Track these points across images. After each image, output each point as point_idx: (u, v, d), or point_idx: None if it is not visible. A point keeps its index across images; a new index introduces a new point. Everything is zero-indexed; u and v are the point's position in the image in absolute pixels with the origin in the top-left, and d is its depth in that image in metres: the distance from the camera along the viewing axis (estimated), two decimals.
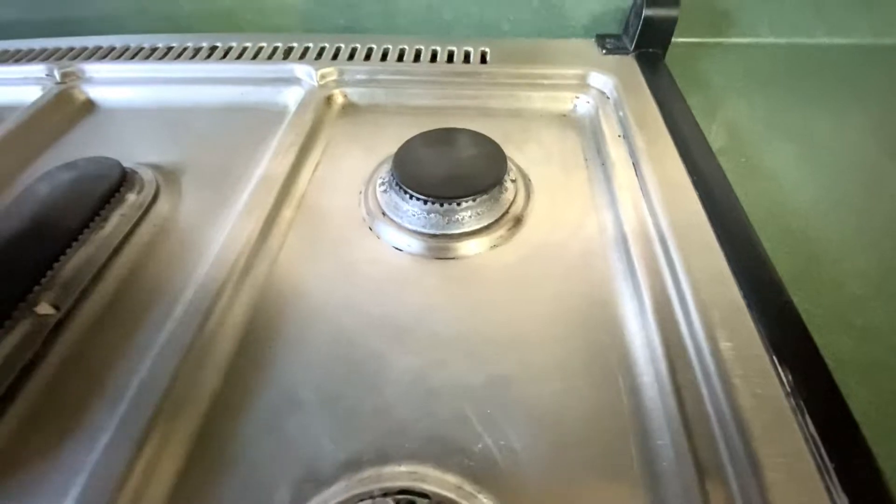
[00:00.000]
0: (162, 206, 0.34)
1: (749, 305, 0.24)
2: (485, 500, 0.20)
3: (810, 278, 0.29)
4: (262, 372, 0.25)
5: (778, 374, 0.21)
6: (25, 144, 0.40)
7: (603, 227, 0.32)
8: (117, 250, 0.30)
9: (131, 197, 0.33)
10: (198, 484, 0.21)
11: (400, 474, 0.21)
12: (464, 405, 0.23)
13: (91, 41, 0.48)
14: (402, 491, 0.20)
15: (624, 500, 0.20)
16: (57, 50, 0.48)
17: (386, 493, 0.19)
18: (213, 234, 0.31)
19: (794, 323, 0.24)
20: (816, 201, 0.34)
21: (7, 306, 0.25)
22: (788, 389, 0.21)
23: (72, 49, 0.48)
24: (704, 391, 0.22)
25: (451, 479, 0.21)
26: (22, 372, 0.25)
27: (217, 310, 0.26)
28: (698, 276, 0.26)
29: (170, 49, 0.47)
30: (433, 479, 0.20)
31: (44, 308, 0.26)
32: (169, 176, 0.36)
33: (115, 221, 0.31)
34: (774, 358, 0.22)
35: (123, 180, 0.33)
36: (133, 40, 0.48)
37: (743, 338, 0.23)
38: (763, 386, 0.21)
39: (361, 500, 0.19)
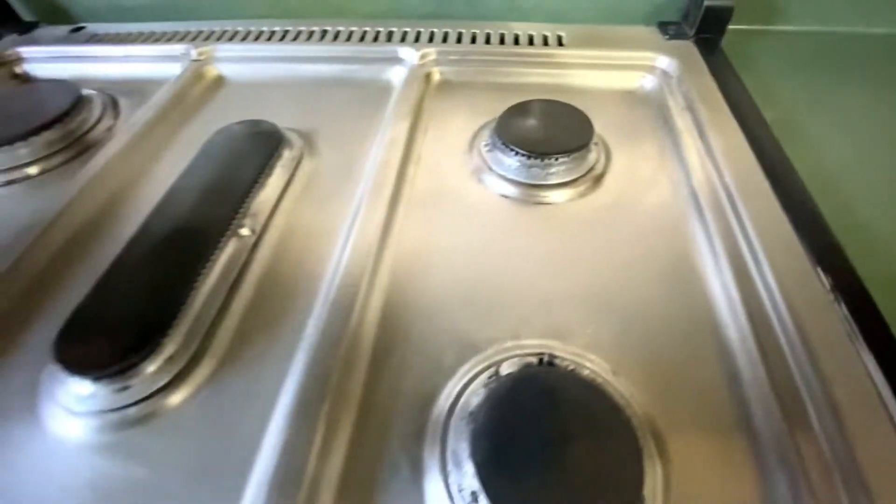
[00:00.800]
0: (308, 161, 0.41)
1: (803, 244, 0.31)
2: (601, 362, 0.27)
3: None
4: (420, 277, 0.32)
5: (838, 315, 0.27)
6: (178, 111, 0.48)
7: (675, 183, 0.38)
8: (283, 193, 0.38)
9: (286, 153, 0.40)
10: (387, 350, 0.29)
11: (533, 345, 0.28)
12: (571, 308, 0.31)
13: (218, 25, 0.56)
14: (538, 353, 0.27)
15: (703, 372, 0.27)
16: (188, 33, 0.56)
17: (527, 354, 0.27)
18: (356, 182, 0.38)
19: (842, 259, 0.30)
20: (852, 170, 0.40)
21: (222, 228, 0.33)
22: (841, 312, 0.27)
23: (200, 32, 0.56)
24: (770, 310, 0.29)
25: (572, 348, 0.28)
26: (235, 280, 0.33)
27: (370, 234, 0.34)
28: (760, 222, 0.32)
29: (286, 32, 0.55)
30: (558, 348, 0.28)
31: (245, 231, 0.34)
32: (306, 137, 0.44)
33: (279, 171, 0.39)
34: (840, 304, 0.28)
35: (280, 139, 0.40)
36: (253, 24, 0.56)
37: (797, 271, 0.29)
38: (821, 317, 0.27)
39: (509, 357, 0.27)
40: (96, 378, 0.26)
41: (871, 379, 0.24)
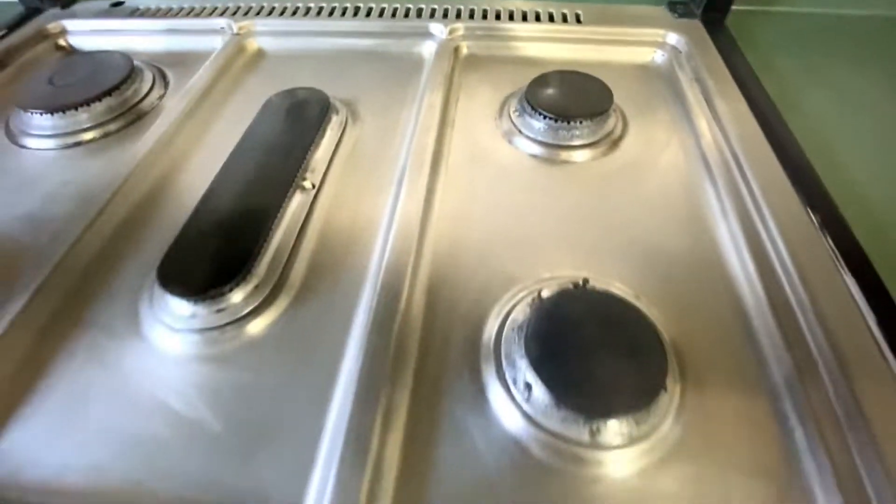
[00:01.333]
0: (352, 125, 0.45)
1: (797, 193, 0.35)
2: (625, 288, 0.32)
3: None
4: (463, 226, 0.37)
5: (825, 246, 0.33)
6: (224, 82, 0.52)
7: (685, 146, 0.43)
8: (334, 153, 0.42)
9: (334, 117, 0.44)
10: (440, 285, 0.33)
11: (566, 276, 0.33)
12: (597, 249, 0.35)
13: (255, 1, 0.59)
14: (573, 281, 0.31)
15: (713, 301, 0.32)
16: (226, 8, 0.59)
17: (563, 282, 0.31)
18: (399, 144, 0.43)
19: (829, 204, 0.35)
20: (842, 136, 0.45)
21: (289, 180, 0.37)
22: (827, 244, 0.32)
23: (239, 7, 0.59)
24: (769, 247, 0.33)
25: (600, 278, 0.32)
26: (301, 226, 0.37)
27: (418, 188, 0.38)
28: (763, 180, 0.36)
29: (321, 7, 0.58)
30: (592, 278, 0.32)
31: (307, 184, 0.38)
32: (348, 105, 0.47)
33: (329, 133, 0.43)
34: (826, 238, 0.33)
35: (329, 104, 0.44)
36: (289, 1, 0.59)
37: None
38: (813, 253, 0.32)
39: (547, 285, 0.31)
40: (196, 300, 0.31)
41: (849, 291, 0.29)
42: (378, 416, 0.26)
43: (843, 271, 0.30)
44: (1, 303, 0.32)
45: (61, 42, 0.60)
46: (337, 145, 0.43)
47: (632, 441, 0.25)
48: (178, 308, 0.31)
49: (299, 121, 0.43)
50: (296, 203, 0.37)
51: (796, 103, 0.47)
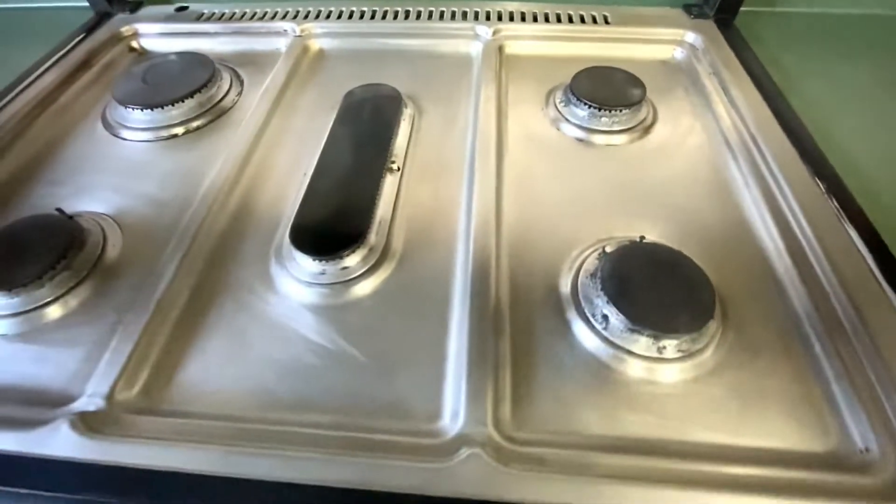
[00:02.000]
0: (420, 116, 0.52)
1: (806, 166, 0.43)
2: (671, 245, 0.39)
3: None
4: (528, 199, 0.44)
5: (831, 207, 0.40)
6: (296, 79, 0.58)
7: (708, 130, 0.50)
8: (409, 140, 0.49)
9: (405, 110, 0.51)
10: (518, 249, 0.40)
11: (622, 236, 0.40)
12: (642, 216, 0.42)
13: (311, 5, 0.66)
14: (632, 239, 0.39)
15: (743, 256, 0.39)
16: (286, 12, 0.65)
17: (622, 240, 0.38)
18: (464, 130, 0.50)
19: (832, 173, 0.42)
20: (840, 119, 0.52)
21: (381, 164, 0.44)
22: (836, 210, 0.40)
23: (298, 11, 0.65)
24: (787, 211, 0.41)
25: (648, 236, 0.40)
26: (394, 202, 0.43)
27: (489, 169, 0.45)
28: (777, 155, 0.44)
29: (374, 11, 0.64)
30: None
31: (395, 166, 0.45)
32: (413, 99, 0.54)
33: (403, 124, 0.50)
34: (832, 200, 0.41)
35: (400, 98, 0.51)
36: (343, 5, 0.65)
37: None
38: (821, 212, 0.40)
39: (609, 243, 0.38)
40: (325, 260, 0.37)
41: (851, 239, 0.37)
42: (490, 348, 0.33)
43: (846, 224, 0.38)
44: (157, 267, 0.38)
45: (134, 44, 0.65)
46: (410, 133, 0.50)
47: (689, 356, 0.33)
48: (310, 267, 0.38)
49: (377, 112, 0.49)
50: (388, 183, 0.44)
51: (798, 91, 0.55)
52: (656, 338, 0.32)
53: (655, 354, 0.32)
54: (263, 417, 0.31)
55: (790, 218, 0.40)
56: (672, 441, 0.30)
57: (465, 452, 0.28)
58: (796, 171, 0.42)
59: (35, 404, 0.32)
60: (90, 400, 0.31)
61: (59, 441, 0.29)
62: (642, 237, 0.38)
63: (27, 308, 0.37)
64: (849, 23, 0.65)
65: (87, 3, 0.70)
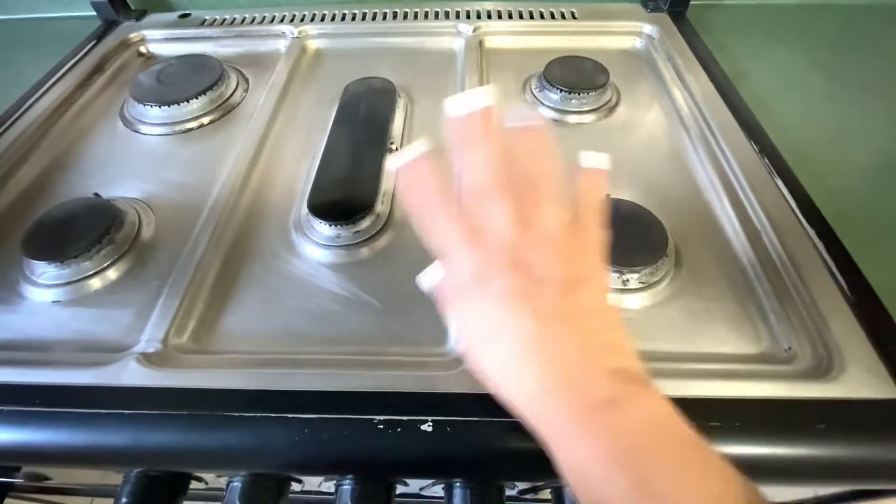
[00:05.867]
0: (412, 105, 0.58)
1: (750, 141, 0.50)
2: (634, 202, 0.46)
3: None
4: None
5: (766, 168, 0.48)
6: (298, 76, 0.64)
7: (665, 110, 0.57)
8: (404, 125, 0.55)
9: (399, 100, 0.57)
10: None
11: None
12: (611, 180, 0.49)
13: (306, 9, 0.71)
14: None
15: (696, 216, 0.46)
16: (284, 16, 0.71)
17: None
18: None
19: (772, 148, 0.50)
20: (782, 100, 0.60)
21: (382, 146, 0.50)
22: (768, 170, 0.47)
23: (294, 15, 0.71)
24: (732, 178, 0.48)
25: (616, 198, 0.46)
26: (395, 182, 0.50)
27: None
28: (724, 131, 0.51)
29: (364, 14, 0.71)
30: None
31: (393, 148, 0.51)
32: (404, 90, 0.60)
33: (399, 112, 0.56)
34: (765, 160, 0.48)
35: (394, 89, 0.57)
36: (336, 8, 0.71)
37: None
38: (757, 171, 0.47)
39: None
40: (340, 225, 0.43)
41: (783, 194, 0.44)
42: None
43: (776, 178, 0.45)
44: (190, 240, 0.44)
45: (142, 49, 0.71)
46: (405, 120, 0.56)
47: (648, 286, 0.39)
48: (327, 231, 0.44)
49: (375, 103, 0.55)
50: (387, 163, 0.50)
51: (743, 74, 0.63)
52: (620, 273, 0.39)
53: (621, 286, 0.39)
54: (298, 350, 0.37)
55: (731, 177, 0.47)
56: (638, 350, 0.36)
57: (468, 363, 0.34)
58: (737, 138, 0.50)
59: (99, 351, 0.37)
60: (149, 344, 0.36)
61: (129, 373, 0.34)
62: (608, 195, 0.45)
63: (77, 278, 0.42)
64: (787, 12, 0.74)
65: (90, 13, 0.75)
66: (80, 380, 0.34)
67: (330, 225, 0.43)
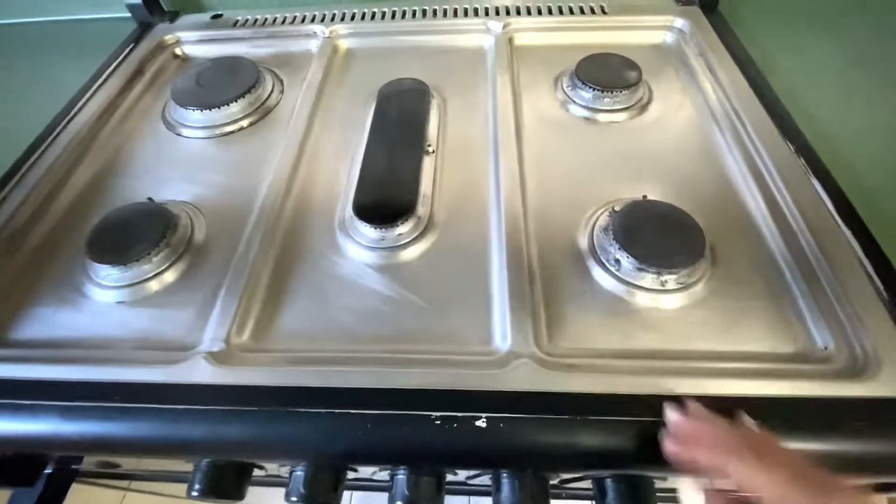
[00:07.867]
0: (445, 104, 0.59)
1: (781, 134, 0.51)
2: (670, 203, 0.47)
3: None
4: (546, 171, 0.51)
5: (800, 164, 0.48)
6: (333, 75, 0.65)
7: (697, 105, 0.58)
8: (440, 125, 0.56)
9: (433, 100, 0.58)
10: (542, 210, 0.48)
11: (628, 197, 0.47)
12: (643, 180, 0.50)
13: (336, 8, 0.72)
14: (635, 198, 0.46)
15: (730, 214, 0.47)
16: (314, 16, 0.72)
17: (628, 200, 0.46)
18: (485, 113, 0.57)
19: (803, 140, 0.50)
20: (808, 91, 0.60)
21: (420, 147, 0.51)
22: (801, 163, 0.48)
23: (324, 15, 0.72)
24: (765, 173, 0.49)
25: (651, 196, 0.47)
26: (433, 181, 0.51)
27: (510, 147, 0.52)
28: (756, 125, 0.51)
29: (394, 12, 0.71)
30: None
31: (430, 149, 0.52)
32: (437, 89, 0.61)
33: (433, 112, 0.57)
34: (801, 159, 0.49)
35: (428, 89, 0.58)
36: (364, 6, 0.72)
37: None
38: (792, 170, 0.48)
39: (617, 203, 0.46)
40: (384, 228, 0.45)
41: (817, 191, 0.45)
42: (526, 290, 0.41)
43: (811, 178, 0.46)
44: (242, 242, 0.46)
45: (177, 51, 0.72)
46: (439, 119, 0.57)
47: (685, 287, 0.41)
48: (371, 234, 0.46)
49: (409, 103, 0.57)
50: (426, 163, 0.51)
51: (774, 67, 0.62)
52: (659, 274, 0.40)
53: (659, 287, 0.41)
54: (349, 348, 0.39)
55: (766, 175, 0.48)
56: (675, 350, 0.38)
57: (516, 363, 0.36)
58: (771, 136, 0.50)
59: (164, 349, 0.40)
60: (213, 343, 0.39)
61: (199, 371, 0.37)
62: (644, 196, 0.46)
63: (138, 280, 0.45)
64: (822, 4, 0.73)
65: (124, 14, 0.76)
66: (154, 377, 0.37)
67: (374, 228, 0.45)
